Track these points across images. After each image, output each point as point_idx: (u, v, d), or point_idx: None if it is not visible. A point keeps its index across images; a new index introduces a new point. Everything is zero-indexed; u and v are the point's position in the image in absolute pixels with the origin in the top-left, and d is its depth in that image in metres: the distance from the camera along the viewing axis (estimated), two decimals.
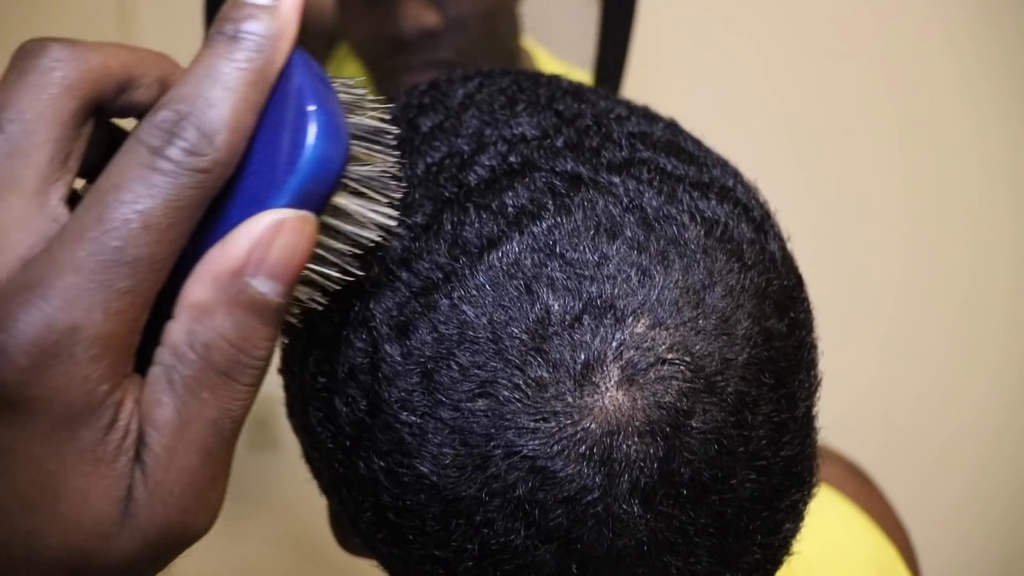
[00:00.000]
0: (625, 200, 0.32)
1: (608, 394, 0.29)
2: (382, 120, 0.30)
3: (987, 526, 1.19)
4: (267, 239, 0.27)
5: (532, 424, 0.29)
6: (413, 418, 0.30)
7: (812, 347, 0.34)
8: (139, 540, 0.27)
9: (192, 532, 0.28)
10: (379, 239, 0.29)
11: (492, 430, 0.30)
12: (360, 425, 0.32)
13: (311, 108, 0.27)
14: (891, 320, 1.17)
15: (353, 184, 0.29)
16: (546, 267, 0.30)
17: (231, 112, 0.27)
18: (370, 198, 0.29)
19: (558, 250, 0.30)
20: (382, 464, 0.31)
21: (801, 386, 0.33)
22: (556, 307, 0.30)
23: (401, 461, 0.31)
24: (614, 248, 0.30)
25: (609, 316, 0.30)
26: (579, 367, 0.29)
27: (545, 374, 0.29)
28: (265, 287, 0.27)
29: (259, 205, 0.27)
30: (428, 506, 0.31)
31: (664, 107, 0.38)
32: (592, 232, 0.31)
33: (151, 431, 0.27)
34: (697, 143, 0.36)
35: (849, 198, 1.12)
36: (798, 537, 0.35)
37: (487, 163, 0.33)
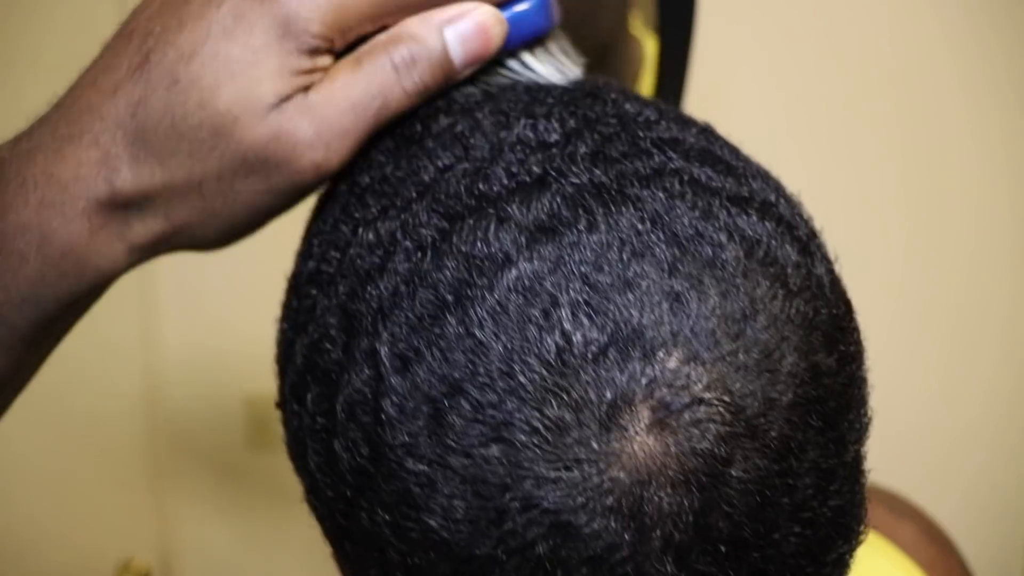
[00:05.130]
0: (654, 216, 0.28)
1: (638, 439, 0.26)
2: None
3: (987, 528, 1.19)
4: (483, 20, 0.33)
5: (553, 473, 0.26)
6: (420, 466, 0.27)
7: (862, 382, 0.31)
8: (270, 132, 0.32)
9: (301, 164, 0.33)
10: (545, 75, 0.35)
11: (508, 480, 0.26)
12: (362, 473, 0.29)
13: None
14: (891, 321, 1.17)
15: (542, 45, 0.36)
16: (567, 291, 0.27)
17: None
18: (551, 54, 0.36)
19: (580, 271, 0.27)
20: (387, 517, 0.28)
21: (851, 427, 0.30)
22: (578, 337, 0.27)
23: (408, 514, 0.28)
24: (642, 270, 0.27)
25: (637, 348, 0.26)
26: (605, 408, 0.26)
27: (567, 415, 0.26)
28: (453, 43, 0.33)
29: None
30: (438, 564, 0.28)
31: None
32: (617, 252, 0.27)
33: (328, 77, 0.33)
34: (735, 151, 0.33)
35: (849, 198, 1.12)
36: None
37: (503, 171, 0.30)
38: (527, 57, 0.35)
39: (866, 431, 0.31)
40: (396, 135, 0.34)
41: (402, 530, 0.28)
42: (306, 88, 0.32)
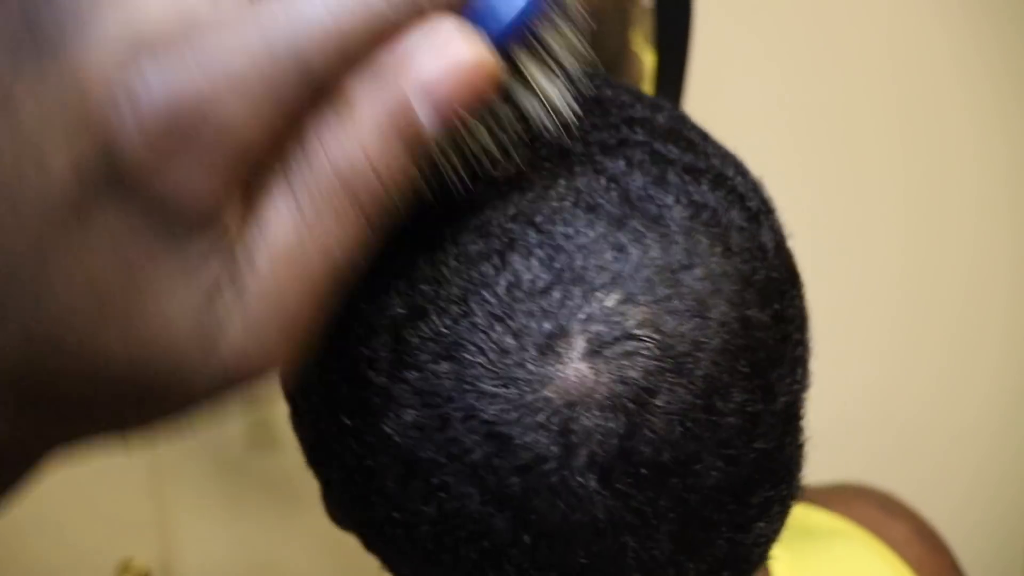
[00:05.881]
0: (611, 178, 0.32)
1: (571, 365, 0.29)
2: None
3: (987, 528, 1.19)
4: (456, 70, 0.21)
5: (493, 389, 0.30)
6: (381, 378, 0.31)
7: (799, 344, 0.34)
8: (217, 372, 0.23)
9: (261, 377, 0.24)
10: (543, 117, 0.27)
11: (454, 393, 0.30)
12: (332, 385, 0.33)
13: None
14: (891, 321, 1.17)
15: (540, 48, 0.26)
16: (523, 236, 0.30)
17: None
18: (550, 67, 0.26)
19: (536, 220, 0.31)
20: (349, 424, 0.32)
21: (781, 380, 0.33)
22: (527, 275, 0.30)
23: (367, 421, 0.32)
24: (592, 223, 0.31)
25: (579, 288, 0.30)
26: (543, 336, 0.29)
27: (510, 340, 0.30)
28: (427, 119, 0.21)
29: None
30: (389, 467, 0.32)
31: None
32: (571, 206, 0.31)
33: (260, 244, 0.22)
34: (703, 134, 0.36)
35: (850, 197, 1.12)
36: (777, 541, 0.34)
37: None
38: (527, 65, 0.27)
39: (802, 389, 0.34)
40: None
41: (360, 436, 0.32)
42: (231, 279, 0.22)
